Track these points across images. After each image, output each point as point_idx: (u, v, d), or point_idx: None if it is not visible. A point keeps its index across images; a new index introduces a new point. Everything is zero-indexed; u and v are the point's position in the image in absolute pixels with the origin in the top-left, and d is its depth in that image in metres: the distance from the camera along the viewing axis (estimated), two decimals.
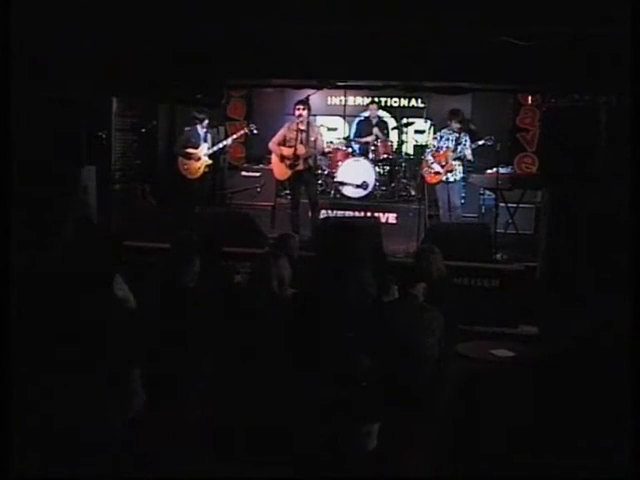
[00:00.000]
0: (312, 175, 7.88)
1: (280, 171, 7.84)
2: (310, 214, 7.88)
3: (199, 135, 8.55)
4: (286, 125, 7.91)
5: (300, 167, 7.64)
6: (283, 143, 7.71)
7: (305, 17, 6.06)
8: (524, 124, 9.97)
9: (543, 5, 5.71)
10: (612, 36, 5.19)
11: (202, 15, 6.22)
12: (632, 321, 2.06)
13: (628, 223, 3.38)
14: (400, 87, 8.60)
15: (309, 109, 7.67)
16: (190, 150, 8.50)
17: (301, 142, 7.61)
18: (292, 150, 7.61)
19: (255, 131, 8.75)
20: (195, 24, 6.40)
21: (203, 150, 8.49)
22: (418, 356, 3.79)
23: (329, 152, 8.91)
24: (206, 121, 8.54)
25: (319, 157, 8.15)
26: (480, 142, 7.75)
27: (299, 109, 7.57)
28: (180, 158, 8.57)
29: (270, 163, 8.28)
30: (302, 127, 7.63)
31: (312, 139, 7.64)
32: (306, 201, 7.90)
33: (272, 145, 7.82)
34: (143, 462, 2.91)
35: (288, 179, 7.88)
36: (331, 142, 9.34)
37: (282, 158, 7.72)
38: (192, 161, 8.50)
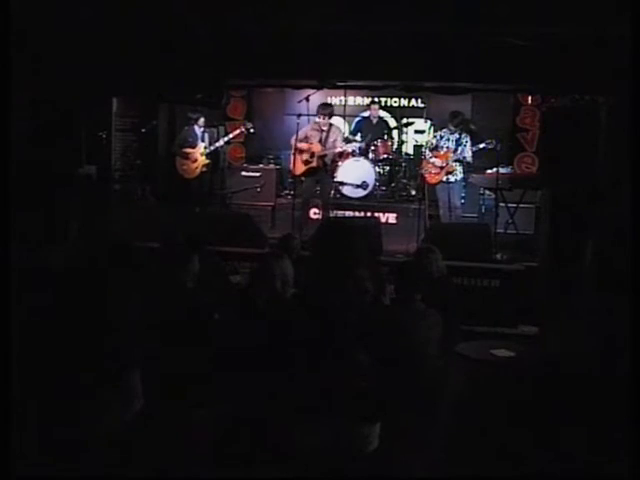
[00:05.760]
0: (327, 175, 7.93)
1: (296, 165, 7.87)
2: (320, 214, 7.96)
3: (196, 135, 8.55)
4: (310, 124, 7.96)
5: (314, 164, 7.70)
6: (305, 140, 7.76)
7: (305, 17, 6.06)
8: (524, 124, 9.97)
9: (543, 5, 5.71)
10: (611, 36, 5.20)
11: (202, 15, 6.23)
12: (632, 322, 2.06)
13: (628, 223, 3.38)
14: (400, 87, 8.59)
15: (331, 113, 7.76)
16: (187, 150, 8.50)
17: (320, 141, 7.68)
18: (309, 146, 7.68)
19: (252, 130, 8.74)
20: (196, 24, 6.41)
21: (200, 150, 8.49)
22: (418, 356, 3.79)
23: (341, 153, 8.88)
24: (202, 120, 8.54)
25: (336, 157, 8.19)
26: (481, 145, 7.75)
27: (323, 114, 7.65)
28: (177, 158, 8.57)
29: (270, 163, 8.30)
30: (324, 128, 7.71)
31: (331, 140, 7.74)
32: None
33: (293, 141, 7.85)
34: (143, 462, 2.91)
35: (302, 174, 7.90)
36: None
37: (300, 152, 7.74)
38: (189, 161, 8.50)
